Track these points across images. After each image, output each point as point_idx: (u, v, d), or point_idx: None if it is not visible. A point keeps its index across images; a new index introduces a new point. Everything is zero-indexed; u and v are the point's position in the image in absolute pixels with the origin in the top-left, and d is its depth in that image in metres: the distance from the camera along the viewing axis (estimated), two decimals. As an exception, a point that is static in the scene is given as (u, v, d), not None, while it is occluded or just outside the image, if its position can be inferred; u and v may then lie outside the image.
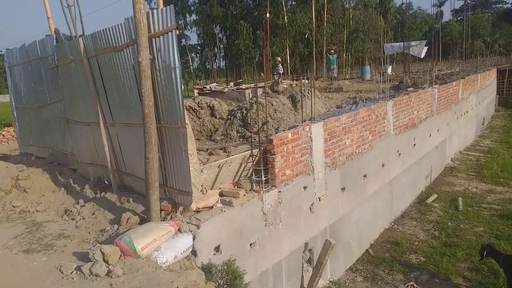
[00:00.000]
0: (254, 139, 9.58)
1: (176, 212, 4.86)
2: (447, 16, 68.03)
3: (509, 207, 10.41)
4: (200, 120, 10.72)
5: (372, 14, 37.24)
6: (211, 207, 4.96)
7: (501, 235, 8.78)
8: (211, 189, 5.40)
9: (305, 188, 6.40)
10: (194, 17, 41.83)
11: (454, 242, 8.59)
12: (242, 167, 5.78)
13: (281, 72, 18.15)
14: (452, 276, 7.37)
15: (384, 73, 26.07)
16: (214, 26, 39.66)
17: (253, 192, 5.54)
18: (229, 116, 10.84)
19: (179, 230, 4.47)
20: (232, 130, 10.20)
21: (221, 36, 42.10)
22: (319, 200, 6.75)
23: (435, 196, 11.54)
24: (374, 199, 8.84)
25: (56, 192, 6.50)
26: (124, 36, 4.95)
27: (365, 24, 36.28)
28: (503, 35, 62.06)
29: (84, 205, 5.74)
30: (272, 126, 10.02)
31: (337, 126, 7.23)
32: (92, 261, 3.91)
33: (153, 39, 4.56)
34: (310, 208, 6.55)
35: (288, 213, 5.98)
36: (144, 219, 5.00)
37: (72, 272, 3.94)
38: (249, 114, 10.41)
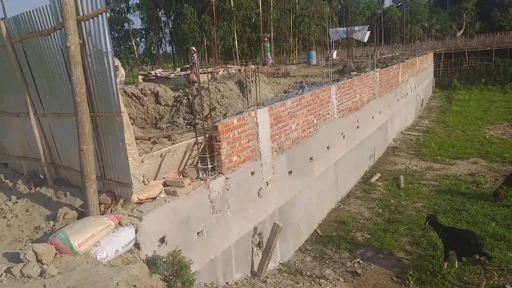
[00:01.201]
0: (201, 126, 9.50)
1: (116, 205, 4.64)
2: (387, 2, 70.65)
3: (445, 182, 11.11)
4: (144, 107, 10.33)
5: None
6: (155, 198, 4.79)
7: (438, 209, 9.35)
8: (154, 179, 5.22)
9: (252, 173, 6.38)
10: (137, 0, 40.20)
11: (396, 218, 9.03)
12: (187, 155, 5.64)
13: (196, 62, 17.57)
14: (395, 250, 7.76)
15: (330, 58, 26.73)
16: (158, 9, 38.28)
17: (199, 180, 5.42)
18: (175, 103, 10.54)
19: (120, 224, 4.28)
20: (178, 117, 9.94)
21: (166, 20, 40.79)
22: (267, 185, 6.77)
23: (378, 175, 12.05)
24: (320, 181, 9.04)
25: (-15, 190, 5.99)
26: (51, 19, 4.57)
27: (310, 8, 36.67)
28: (439, 20, 65.48)
29: (16, 202, 5.33)
30: (220, 112, 9.88)
31: (283, 111, 7.25)
32: (23, 261, 3.64)
33: (82, 23, 4.25)
34: (258, 193, 6.56)
35: (236, 200, 5.94)
36: (82, 214, 4.74)
37: (2, 275, 3.64)
38: (195, 100, 10.20)
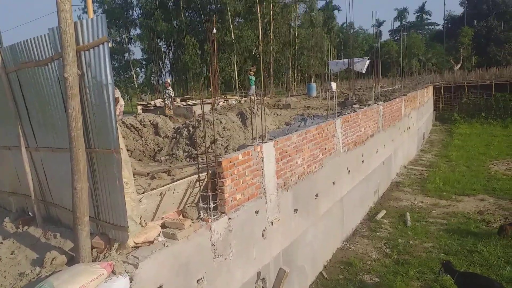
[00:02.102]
0: (202, 159, 9.15)
1: (110, 250, 4.22)
2: (385, 36, 72.17)
3: (453, 221, 10.68)
4: (143, 139, 10.03)
5: (319, 32, 38.33)
6: (152, 242, 4.38)
7: (449, 250, 8.89)
8: (152, 220, 4.82)
9: (257, 212, 5.98)
10: (138, 31, 40.73)
11: (406, 259, 8.55)
12: (188, 193, 5.26)
13: (172, 95, 16.82)
14: (406, 296, 7.26)
15: (329, 90, 26.79)
16: (159, 40, 38.74)
17: (201, 221, 5.02)
18: (175, 135, 10.24)
19: (113, 272, 3.85)
20: (178, 150, 9.62)
21: (165, 51, 41.22)
22: (272, 224, 6.35)
23: (384, 212, 11.62)
24: (326, 218, 8.62)
25: (-31, 228, 5.54)
26: (49, 48, 4.31)
27: (310, 41, 37.20)
28: (435, 55, 66.71)
29: (1, 243, 4.90)
30: (221, 144, 9.58)
31: (288, 145, 6.93)
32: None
33: (82, 52, 3.98)
34: (262, 234, 6.13)
35: (239, 242, 5.51)
36: (72, 258, 4.31)
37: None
38: (196, 132, 9.90)
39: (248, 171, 5.79)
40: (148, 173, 5.85)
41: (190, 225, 4.69)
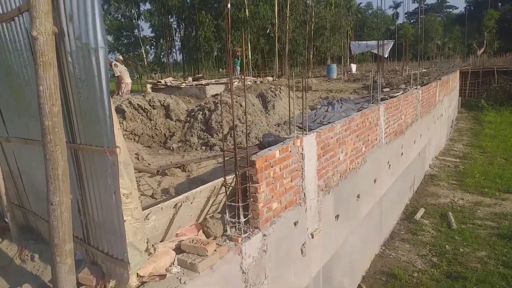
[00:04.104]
0: (220, 149, 7.81)
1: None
2: (401, 19, 69.44)
3: (504, 224, 9.30)
4: (152, 122, 8.71)
5: (338, 11, 36.32)
6: (164, 276, 3.10)
7: (509, 261, 7.55)
8: (163, 239, 3.54)
9: (295, 224, 4.68)
10: (148, 6, 38.96)
11: (459, 272, 7.23)
12: (211, 201, 3.95)
13: (117, 75, 12.79)
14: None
15: (349, 72, 25.14)
16: (170, 16, 37.03)
17: (227, 241, 3.73)
18: (188, 118, 8.91)
19: (106, 331, 2.59)
20: (192, 136, 8.30)
21: (176, 28, 39.48)
22: (312, 237, 5.05)
23: (422, 210, 10.25)
24: (366, 222, 7.31)
25: None
26: (16, -4, 2.96)
27: (330, 22, 35.23)
28: (452, 39, 63.93)
29: (-38, 263, 3.66)
30: (242, 131, 8.24)
31: (331, 138, 5.56)
32: None
33: (61, 0, 2.63)
34: (301, 250, 4.84)
35: (275, 264, 4.23)
36: (52, 296, 3.06)
37: None
38: (213, 116, 8.56)
39: (286, 171, 4.45)
40: (157, 171, 4.56)
41: (214, 250, 3.40)
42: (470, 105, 27.47)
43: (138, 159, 6.92)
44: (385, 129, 8.06)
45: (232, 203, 3.84)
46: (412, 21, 69.83)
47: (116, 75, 11.39)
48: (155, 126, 8.65)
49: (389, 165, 8.55)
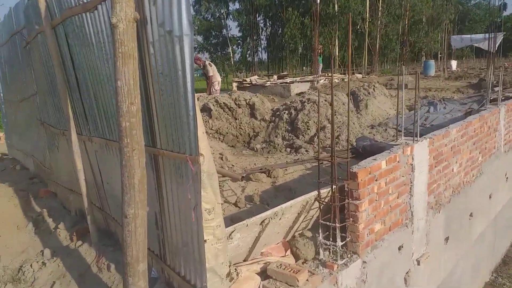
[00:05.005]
0: (307, 152, 7.22)
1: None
2: (509, 10, 62.01)
3: None
4: (237, 121, 8.41)
5: (446, 4, 33.37)
6: (246, 306, 2.63)
7: None
8: (247, 258, 3.07)
9: (400, 248, 3.93)
10: (237, 5, 39.56)
11: None
12: (302, 217, 3.39)
13: (211, 74, 11.57)
14: None
15: (448, 69, 22.79)
16: (257, 15, 37.18)
17: (320, 266, 3.15)
18: (273, 118, 8.46)
19: None
20: (276, 136, 7.84)
21: (263, 27, 39.56)
22: (418, 264, 4.24)
23: (544, 233, 8.62)
24: (478, 244, 6.19)
25: (21, 230, 4.38)
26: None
27: (428, 15, 32.47)
28: None
29: (45, 264, 3.58)
30: (331, 134, 7.56)
31: (445, 145, 4.66)
32: None
33: (144, -17, 2.27)
34: (405, 280, 4.07)
35: (374, 297, 3.55)
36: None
37: None
38: (299, 115, 8.01)
39: (393, 186, 3.73)
40: (242, 177, 4.13)
41: (306, 280, 2.84)
42: None
43: (222, 160, 6.63)
44: (504, 135, 6.79)
45: (327, 222, 3.25)
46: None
47: (210, 74, 11.37)
48: (239, 125, 8.35)
49: (507, 177, 7.23)
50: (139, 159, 2.33)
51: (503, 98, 8.43)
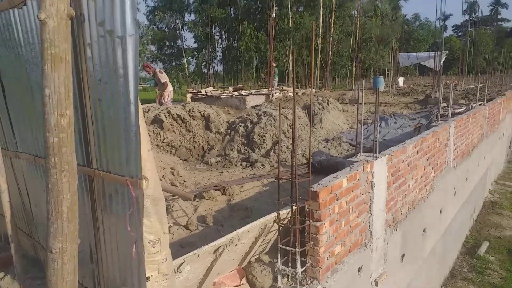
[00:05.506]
0: (263, 166, 7.00)
1: None
2: (448, 32, 66.62)
3: None
4: (191, 134, 8.06)
5: (394, 24, 35.00)
6: None
7: None
8: (199, 291, 2.74)
9: (359, 270, 3.76)
10: (192, 16, 39.17)
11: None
12: (260, 241, 3.12)
13: (163, 81, 10.87)
14: None
15: (396, 85, 23.79)
16: (213, 27, 37.02)
17: (280, 296, 2.89)
18: (229, 131, 8.20)
19: None
20: (232, 150, 7.58)
21: (218, 39, 39.42)
22: (376, 286, 4.11)
23: (486, 244, 8.96)
24: (429, 260, 6.24)
25: None
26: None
27: (376, 33, 33.91)
28: (502, 54, 60.44)
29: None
30: (287, 147, 7.44)
31: (402, 161, 4.62)
32: None
33: (81, -25, 1.94)
34: (364, 302, 3.92)
35: (334, 324, 3.33)
36: None
37: None
38: (255, 129, 7.81)
39: (353, 205, 3.57)
40: (195, 197, 3.79)
41: (265, 314, 2.56)
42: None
43: (174, 175, 6.25)
44: (453, 150, 6.98)
45: (286, 247, 3.00)
46: (459, 34, 66.90)
47: (162, 81, 10.86)
48: (193, 138, 8.00)
49: (455, 192, 7.43)
50: (70, 182, 1.96)
51: (448, 114, 8.76)
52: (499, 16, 71.63)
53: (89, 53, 2.01)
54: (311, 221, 3.10)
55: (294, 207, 2.99)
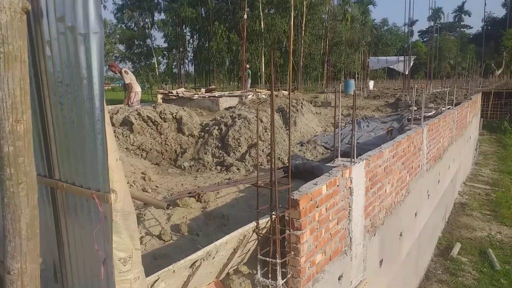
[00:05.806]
0: (238, 170, 6.84)
1: None
2: (414, 37, 68.72)
3: (556, 266, 8.17)
4: (162, 136, 7.79)
5: (355, 27, 35.57)
6: None
7: None
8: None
9: (340, 278, 3.67)
10: (162, 15, 38.48)
11: (515, 328, 6.14)
12: (238, 252, 2.96)
13: (127, 82, 10.76)
14: None
15: (366, 89, 24.20)
16: (184, 27, 36.49)
17: (260, 311, 2.74)
18: (202, 133, 7.99)
19: None
20: (206, 153, 7.37)
21: (189, 39, 38.91)
22: (356, 293, 4.03)
23: (458, 246, 9.14)
24: (406, 263, 6.26)
25: None
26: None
27: (346, 37, 34.44)
28: (465, 59, 62.94)
29: None
30: (263, 151, 7.31)
31: (379, 166, 4.58)
32: None
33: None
34: (344, 311, 3.82)
35: (316, 337, 3.21)
36: None
37: None
38: (230, 132, 7.64)
39: (333, 212, 3.46)
40: (168, 205, 3.59)
41: (245, 331, 2.40)
42: (492, 127, 26.27)
43: (145, 180, 5.99)
44: (426, 154, 7.06)
45: (266, 258, 2.85)
46: (425, 39, 69.07)
47: (127, 82, 10.47)
48: (165, 141, 7.73)
49: (428, 194, 7.52)
50: (28, 195, 1.74)
51: (419, 117, 8.89)
52: (462, 23, 74.51)
53: (48, 52, 1.80)
54: (291, 230, 2.96)
55: (274, 216, 2.84)
